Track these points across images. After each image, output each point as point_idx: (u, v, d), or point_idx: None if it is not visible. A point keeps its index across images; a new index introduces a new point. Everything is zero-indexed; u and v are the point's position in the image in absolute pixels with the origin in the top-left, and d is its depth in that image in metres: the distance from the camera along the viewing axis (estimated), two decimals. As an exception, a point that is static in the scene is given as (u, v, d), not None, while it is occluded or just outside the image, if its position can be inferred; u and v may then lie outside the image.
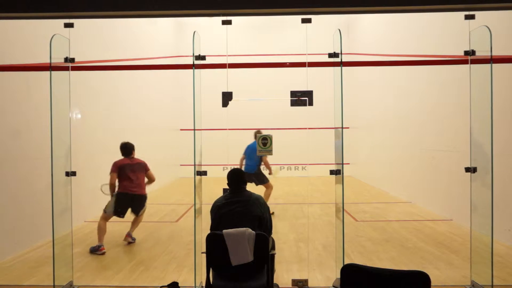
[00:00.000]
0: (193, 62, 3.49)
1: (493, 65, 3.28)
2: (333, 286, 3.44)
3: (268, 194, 6.66)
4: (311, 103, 3.61)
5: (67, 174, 3.49)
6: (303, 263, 4.15)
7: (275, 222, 5.73)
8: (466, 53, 3.50)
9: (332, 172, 3.51)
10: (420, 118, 7.56)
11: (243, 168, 6.52)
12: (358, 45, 11.57)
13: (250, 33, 12.42)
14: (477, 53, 3.43)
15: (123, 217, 4.98)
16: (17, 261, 4.30)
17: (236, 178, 3.07)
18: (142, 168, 5.10)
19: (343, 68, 3.45)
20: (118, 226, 5.82)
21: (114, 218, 4.91)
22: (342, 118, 3.46)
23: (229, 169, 3.20)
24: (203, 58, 3.58)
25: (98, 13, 3.52)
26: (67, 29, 3.54)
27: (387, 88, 9.51)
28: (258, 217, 2.90)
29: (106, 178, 6.15)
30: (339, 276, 2.00)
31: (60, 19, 3.52)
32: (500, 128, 4.02)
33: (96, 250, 4.57)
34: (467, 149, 3.58)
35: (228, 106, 3.61)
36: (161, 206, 7.53)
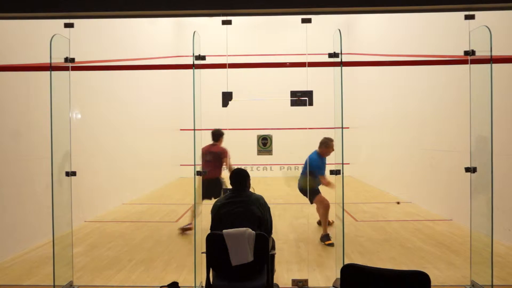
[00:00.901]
0: (193, 62, 3.49)
1: (493, 65, 3.27)
2: (333, 286, 3.44)
3: (322, 214, 5.00)
4: (311, 103, 3.61)
5: (67, 174, 3.49)
6: (303, 263, 4.15)
7: (275, 222, 5.72)
8: (466, 53, 3.49)
9: (332, 172, 3.51)
10: (420, 118, 7.55)
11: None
12: (358, 45, 11.56)
13: (250, 33, 12.40)
14: (477, 53, 3.43)
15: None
16: (17, 261, 4.30)
17: (237, 178, 3.07)
18: (216, 156, 5.42)
19: (343, 68, 3.45)
20: (118, 226, 5.82)
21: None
22: (342, 118, 3.46)
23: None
24: (203, 58, 3.58)
25: (98, 13, 3.52)
26: (67, 29, 3.54)
27: (387, 88, 9.51)
28: (258, 217, 2.90)
29: (106, 178, 6.12)
30: (339, 276, 2.00)
31: (60, 19, 3.52)
32: (500, 128, 4.02)
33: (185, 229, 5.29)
34: (467, 149, 3.58)
35: (228, 106, 3.62)
36: (161, 206, 7.51)
